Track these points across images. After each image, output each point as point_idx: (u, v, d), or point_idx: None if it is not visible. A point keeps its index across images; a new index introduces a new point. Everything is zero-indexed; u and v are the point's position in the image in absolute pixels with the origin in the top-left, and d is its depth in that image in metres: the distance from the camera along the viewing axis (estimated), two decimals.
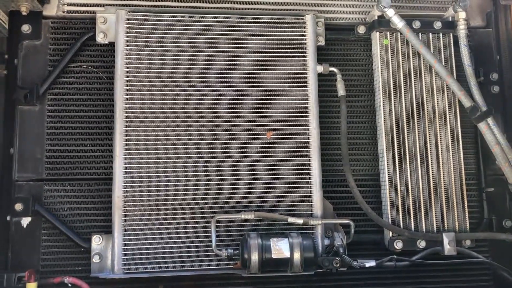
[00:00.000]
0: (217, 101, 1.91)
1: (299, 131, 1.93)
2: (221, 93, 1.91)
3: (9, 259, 1.82)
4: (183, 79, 1.90)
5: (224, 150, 1.88)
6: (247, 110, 1.92)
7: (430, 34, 2.07)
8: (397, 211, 1.93)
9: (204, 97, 1.90)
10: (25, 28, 1.95)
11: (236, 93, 1.92)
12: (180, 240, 1.81)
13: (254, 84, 1.94)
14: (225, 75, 1.93)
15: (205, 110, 1.90)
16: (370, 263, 1.77)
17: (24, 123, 1.91)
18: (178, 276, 1.80)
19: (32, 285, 1.63)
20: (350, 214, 1.96)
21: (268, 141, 1.91)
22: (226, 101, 1.91)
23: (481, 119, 1.96)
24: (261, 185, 1.88)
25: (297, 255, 1.71)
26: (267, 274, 1.76)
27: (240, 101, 1.92)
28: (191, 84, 1.90)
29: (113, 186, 1.81)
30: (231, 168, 1.87)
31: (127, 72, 1.87)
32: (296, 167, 1.91)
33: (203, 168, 1.86)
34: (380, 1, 1.97)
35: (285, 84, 1.95)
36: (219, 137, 1.89)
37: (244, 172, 1.88)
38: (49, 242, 1.85)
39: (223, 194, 1.86)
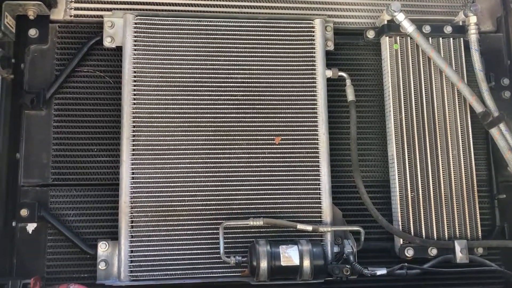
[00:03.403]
0: (226, 106, 1.89)
1: (308, 137, 1.91)
2: (229, 97, 1.90)
3: (14, 266, 1.80)
4: (191, 84, 1.88)
5: (233, 156, 1.86)
6: (255, 115, 1.90)
7: (440, 38, 2.05)
8: (408, 218, 1.90)
9: (212, 101, 1.89)
10: (32, 32, 1.93)
11: (244, 98, 1.90)
12: (187, 247, 1.79)
13: (263, 89, 1.92)
14: (233, 80, 1.91)
15: (213, 115, 1.88)
16: (381, 271, 1.74)
17: (30, 128, 1.89)
18: (186, 284, 1.77)
19: None
20: (360, 221, 1.93)
21: (277, 146, 1.89)
22: (234, 106, 1.89)
23: (493, 124, 1.93)
24: (270, 192, 1.86)
25: (306, 263, 1.68)
26: (276, 282, 1.74)
27: (249, 106, 1.90)
28: (199, 89, 1.89)
29: (119, 192, 1.79)
30: (239, 174, 1.85)
31: (135, 76, 1.86)
32: (305, 173, 1.88)
33: (211, 174, 1.84)
34: (390, 5, 1.96)
35: (294, 89, 1.93)
36: (228, 142, 1.87)
37: (252, 178, 1.85)
38: (54, 248, 1.83)
39: (231, 200, 1.83)
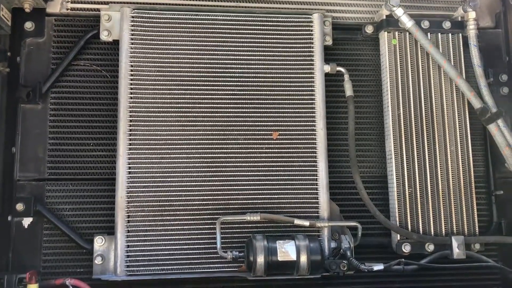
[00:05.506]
0: (222, 101, 1.88)
1: (305, 132, 1.90)
2: (226, 92, 1.88)
3: (10, 260, 1.79)
4: (188, 78, 1.87)
5: (230, 151, 1.85)
6: (252, 110, 1.89)
7: (439, 34, 2.04)
8: (405, 213, 1.90)
9: (209, 96, 1.87)
10: (28, 25, 1.92)
11: (241, 92, 1.89)
12: (184, 241, 1.78)
13: (260, 84, 1.91)
14: (231, 74, 1.90)
15: (210, 110, 1.87)
16: (378, 267, 1.74)
17: (26, 121, 1.88)
18: (182, 279, 1.77)
19: (33, 287, 1.60)
20: (357, 217, 1.93)
21: (274, 141, 1.88)
22: (231, 101, 1.88)
23: (491, 120, 1.93)
24: (267, 187, 1.85)
25: (303, 258, 1.68)
26: (272, 277, 1.73)
27: (246, 101, 1.89)
28: (196, 83, 1.87)
29: (116, 186, 1.78)
30: (236, 169, 1.84)
31: (132, 70, 1.85)
32: (303, 168, 1.88)
33: (208, 169, 1.83)
34: (389, 0, 1.94)
35: (291, 84, 1.92)
36: (224, 137, 1.86)
37: (249, 173, 1.85)
38: (50, 243, 1.82)
39: (228, 195, 1.83)
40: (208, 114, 1.86)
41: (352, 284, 1.91)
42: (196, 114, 1.86)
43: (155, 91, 1.85)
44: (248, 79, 1.90)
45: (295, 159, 1.88)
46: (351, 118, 1.94)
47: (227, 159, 1.85)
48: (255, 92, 1.90)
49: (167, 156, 1.82)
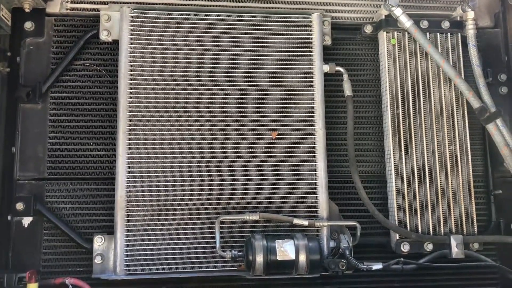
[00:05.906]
0: (222, 101, 1.88)
1: (305, 132, 1.90)
2: (226, 92, 1.89)
3: (10, 259, 1.80)
4: (187, 78, 1.88)
5: (229, 150, 1.86)
6: (252, 110, 1.89)
7: (438, 34, 2.04)
8: (404, 213, 1.90)
9: (209, 96, 1.88)
10: (28, 25, 1.92)
11: (241, 92, 1.90)
12: (183, 241, 1.78)
13: (260, 84, 1.91)
14: (230, 74, 1.90)
15: (209, 110, 1.87)
16: (377, 266, 1.74)
17: (26, 121, 1.88)
18: (182, 278, 1.77)
19: (33, 286, 1.60)
20: (356, 216, 1.93)
21: (274, 141, 1.89)
22: (230, 100, 1.89)
23: (490, 120, 1.93)
24: (266, 186, 1.85)
25: (302, 257, 1.68)
26: (271, 276, 1.74)
27: (245, 101, 1.89)
28: (196, 82, 1.88)
29: (116, 186, 1.78)
30: (235, 168, 1.85)
31: (131, 70, 1.85)
32: (302, 168, 1.88)
33: (207, 168, 1.83)
34: (388, 0, 1.95)
35: (291, 84, 1.93)
36: (224, 137, 1.86)
37: (248, 173, 1.85)
38: (50, 242, 1.82)
39: (228, 195, 1.83)
40: (207, 114, 1.87)
41: (351, 283, 1.91)
42: (196, 114, 1.86)
43: (154, 91, 1.85)
44: (247, 79, 1.90)
45: (294, 158, 1.88)
46: (350, 117, 1.94)
47: (226, 159, 1.85)
48: (254, 92, 1.90)
49: (166, 155, 1.82)
